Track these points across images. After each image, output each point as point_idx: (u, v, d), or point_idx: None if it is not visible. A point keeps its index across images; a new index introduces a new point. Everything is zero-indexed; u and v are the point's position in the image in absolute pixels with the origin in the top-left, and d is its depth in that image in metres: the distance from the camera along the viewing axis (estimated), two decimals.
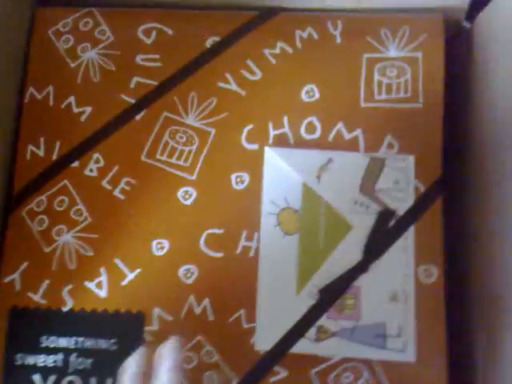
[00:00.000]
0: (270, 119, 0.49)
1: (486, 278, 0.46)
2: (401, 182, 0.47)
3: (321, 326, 0.45)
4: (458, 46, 0.52)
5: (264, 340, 0.46)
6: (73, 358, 0.46)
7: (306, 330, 0.45)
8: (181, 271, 0.47)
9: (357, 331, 0.45)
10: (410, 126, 0.48)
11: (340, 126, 0.49)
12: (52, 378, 0.46)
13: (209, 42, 0.51)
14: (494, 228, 0.45)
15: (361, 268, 0.46)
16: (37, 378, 0.46)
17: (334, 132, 0.49)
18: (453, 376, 0.45)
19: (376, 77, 0.49)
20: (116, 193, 0.49)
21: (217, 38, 0.51)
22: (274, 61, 0.50)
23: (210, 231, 0.48)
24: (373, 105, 0.49)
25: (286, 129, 0.49)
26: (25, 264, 0.48)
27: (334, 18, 0.51)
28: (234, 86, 0.50)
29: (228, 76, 0.50)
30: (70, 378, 0.46)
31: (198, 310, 0.46)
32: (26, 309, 0.47)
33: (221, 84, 0.50)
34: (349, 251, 0.46)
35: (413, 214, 0.47)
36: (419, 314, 0.45)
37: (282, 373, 0.45)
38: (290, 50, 0.50)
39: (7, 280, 0.47)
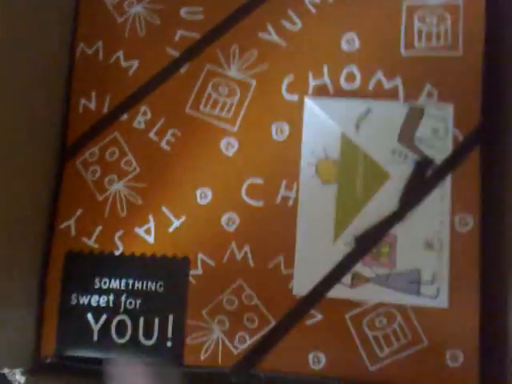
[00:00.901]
0: (309, 69, 0.50)
1: None
2: (440, 131, 0.47)
3: (356, 273, 0.47)
4: None
5: (301, 285, 0.47)
6: (123, 298, 0.49)
7: (342, 276, 0.47)
8: (223, 219, 0.49)
9: (391, 278, 0.46)
10: (450, 75, 0.48)
11: (379, 74, 0.49)
12: (103, 317, 0.49)
13: None
14: None
15: (397, 216, 0.47)
16: (90, 316, 0.49)
17: (373, 81, 0.49)
18: (485, 322, 0.45)
19: (416, 24, 0.49)
20: (162, 144, 0.51)
21: None
22: (314, 10, 0.50)
23: (250, 181, 0.49)
24: (412, 53, 0.48)
25: (326, 78, 0.49)
26: (79, 211, 0.51)
27: None
28: (274, 37, 0.50)
29: (269, 26, 0.51)
30: (120, 317, 0.49)
31: (239, 256, 0.48)
32: (81, 253, 0.50)
33: (262, 35, 0.51)
34: (386, 200, 0.47)
35: (450, 163, 0.47)
36: (453, 262, 0.46)
37: (317, 316, 0.47)
38: None
39: (63, 226, 0.51)
